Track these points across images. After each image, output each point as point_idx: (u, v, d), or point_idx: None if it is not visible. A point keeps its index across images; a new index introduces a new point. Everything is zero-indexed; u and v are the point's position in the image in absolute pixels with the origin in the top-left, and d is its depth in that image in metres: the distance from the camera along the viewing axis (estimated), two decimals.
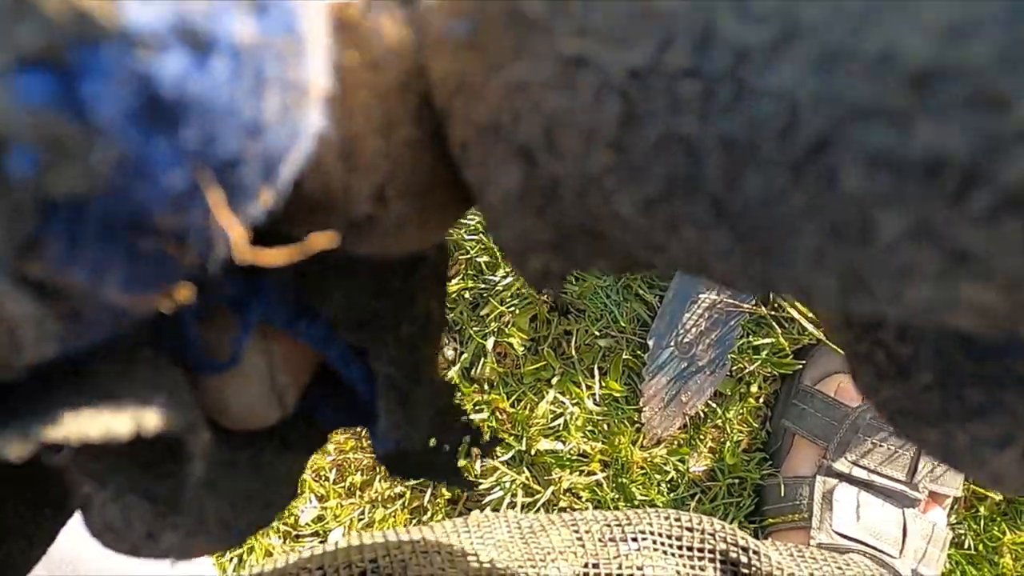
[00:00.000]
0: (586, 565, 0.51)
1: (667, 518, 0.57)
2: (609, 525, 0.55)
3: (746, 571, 0.54)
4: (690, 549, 0.55)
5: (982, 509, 0.85)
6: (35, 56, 0.10)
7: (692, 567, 0.54)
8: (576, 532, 0.54)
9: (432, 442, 0.29)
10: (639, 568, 0.52)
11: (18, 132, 0.10)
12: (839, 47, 0.10)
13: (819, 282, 0.12)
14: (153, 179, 0.11)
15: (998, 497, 0.86)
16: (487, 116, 0.14)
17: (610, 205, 0.14)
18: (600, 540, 0.54)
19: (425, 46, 0.15)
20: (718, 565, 0.55)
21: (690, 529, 0.56)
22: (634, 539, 0.54)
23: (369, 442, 0.84)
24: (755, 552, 0.55)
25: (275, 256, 0.14)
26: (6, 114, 0.10)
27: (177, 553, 0.24)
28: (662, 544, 0.55)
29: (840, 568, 0.60)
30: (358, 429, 0.84)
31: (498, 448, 0.83)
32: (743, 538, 0.57)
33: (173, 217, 0.12)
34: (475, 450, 0.31)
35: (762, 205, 0.12)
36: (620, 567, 0.52)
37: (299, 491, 0.31)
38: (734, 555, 0.55)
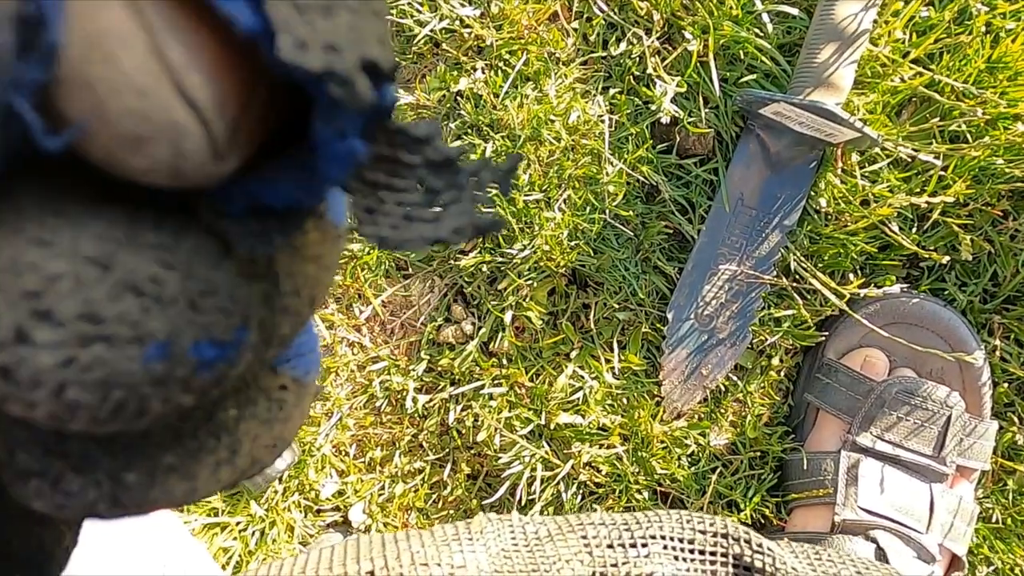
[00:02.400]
0: (593, 574, 0.51)
1: (679, 520, 0.56)
2: (618, 530, 0.55)
3: None
4: (702, 552, 0.54)
5: (1010, 483, 0.84)
6: None
7: (704, 572, 0.53)
8: (584, 538, 0.54)
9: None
10: (649, 575, 0.52)
11: None
12: None
13: None
14: None
15: None
16: None
17: None
18: (609, 546, 0.53)
19: None
20: (731, 570, 0.54)
21: (703, 532, 0.55)
22: (644, 545, 0.54)
23: (388, 415, 0.85)
24: (770, 555, 0.55)
25: None
26: None
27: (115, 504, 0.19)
28: (673, 548, 0.54)
29: (859, 572, 0.59)
30: (378, 404, 0.84)
31: (517, 422, 0.82)
32: (758, 542, 0.56)
33: None
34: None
35: None
36: (628, 575, 0.52)
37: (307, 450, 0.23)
38: (748, 559, 0.54)
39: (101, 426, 0.16)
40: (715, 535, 0.54)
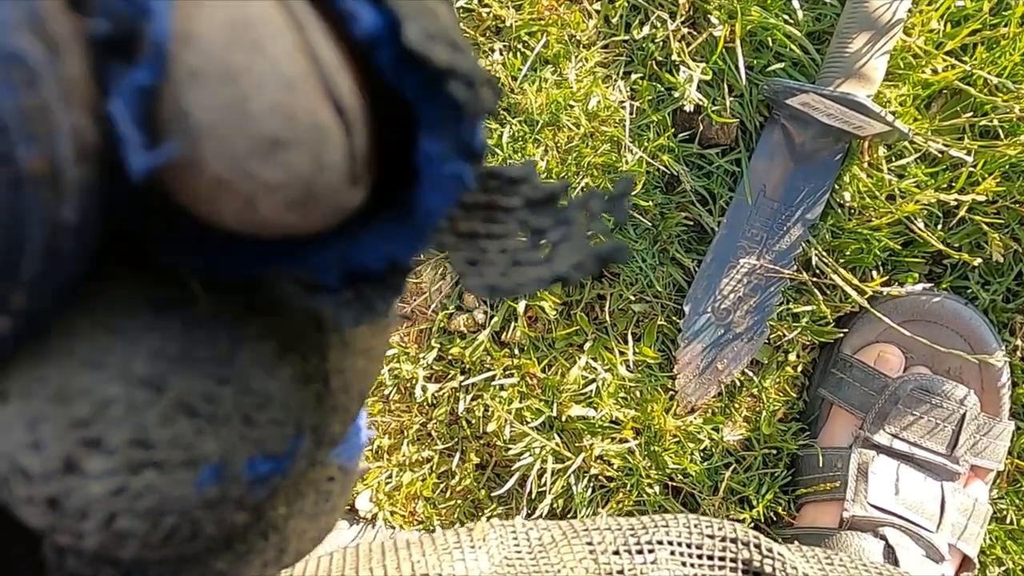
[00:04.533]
0: None
1: (687, 525, 0.55)
2: (624, 535, 0.54)
3: None
4: (711, 558, 0.53)
5: None
6: None
7: None
8: (589, 544, 0.53)
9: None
10: None
11: None
12: None
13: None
14: None
15: None
16: None
17: None
18: (615, 552, 0.52)
19: None
20: (739, 575, 0.53)
21: (711, 536, 0.54)
22: (651, 551, 0.53)
23: (397, 403, 0.84)
24: (780, 559, 0.54)
25: None
26: None
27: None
28: (681, 554, 0.53)
29: None
30: (386, 392, 0.83)
31: (528, 413, 0.81)
32: (768, 547, 0.55)
33: None
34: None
35: None
36: None
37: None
38: (757, 563, 0.53)
39: (152, 552, 0.15)
40: (723, 539, 0.53)
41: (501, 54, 0.79)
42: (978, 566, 0.81)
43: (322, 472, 0.21)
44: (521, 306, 0.81)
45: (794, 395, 0.85)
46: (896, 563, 0.76)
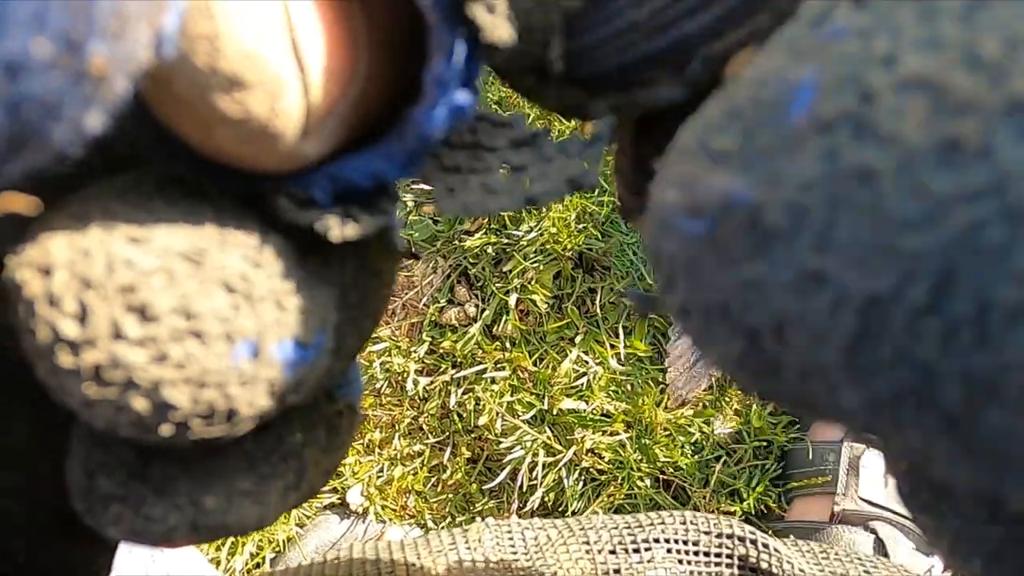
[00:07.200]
0: None
1: (683, 522, 0.55)
2: (620, 533, 0.54)
3: None
4: (707, 554, 0.53)
5: None
6: None
7: (710, 574, 0.52)
8: (586, 543, 0.53)
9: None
10: None
11: None
12: None
13: None
14: None
15: None
16: (716, 299, 0.15)
17: (833, 395, 0.14)
18: (611, 551, 0.52)
19: (656, 226, 0.15)
20: (736, 571, 0.53)
21: (707, 532, 0.54)
22: (647, 548, 0.53)
23: (388, 396, 0.84)
24: (776, 554, 0.54)
25: None
26: None
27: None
28: (678, 551, 0.53)
29: (866, 571, 0.58)
30: (377, 385, 0.83)
31: (519, 406, 0.81)
32: (764, 542, 0.55)
33: None
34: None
35: (1002, 435, 0.12)
36: None
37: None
38: (754, 559, 0.53)
39: (188, 432, 0.16)
40: (719, 536, 0.53)
41: None
42: None
43: (332, 406, 0.22)
44: (512, 300, 0.81)
45: None
46: (886, 556, 0.77)
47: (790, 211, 0.13)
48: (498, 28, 0.16)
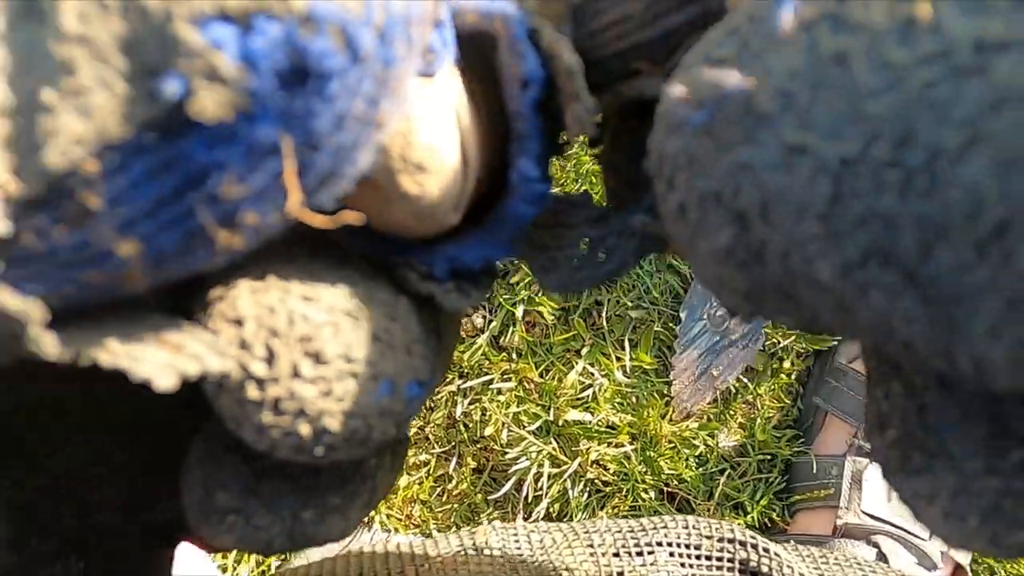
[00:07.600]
0: None
1: (685, 526, 0.56)
2: (624, 537, 0.54)
3: None
4: (709, 558, 0.54)
5: None
6: (230, 12, 0.13)
7: None
8: (591, 546, 0.53)
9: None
10: None
11: (186, 63, 0.13)
12: (1017, 153, 0.13)
13: (992, 355, 0.14)
14: (258, 123, 0.14)
15: None
16: (711, 187, 0.17)
17: (810, 268, 0.16)
18: (615, 554, 0.53)
19: (661, 128, 0.18)
20: (737, 575, 0.54)
21: (709, 536, 0.55)
22: (650, 552, 0.53)
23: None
24: (777, 558, 0.55)
25: (320, 220, 0.17)
26: (189, 45, 0.13)
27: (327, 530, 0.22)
28: (680, 555, 0.54)
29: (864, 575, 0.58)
30: None
31: (525, 417, 0.82)
32: (764, 546, 0.55)
33: (240, 175, 0.15)
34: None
35: (949, 274, 0.14)
36: None
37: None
38: (755, 563, 0.54)
39: (333, 454, 0.19)
40: (721, 540, 0.53)
41: None
42: (971, 574, 0.81)
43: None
44: (519, 311, 0.82)
45: (789, 402, 0.85)
46: None
47: (778, 96, 0.15)
48: (588, 127, 0.20)
